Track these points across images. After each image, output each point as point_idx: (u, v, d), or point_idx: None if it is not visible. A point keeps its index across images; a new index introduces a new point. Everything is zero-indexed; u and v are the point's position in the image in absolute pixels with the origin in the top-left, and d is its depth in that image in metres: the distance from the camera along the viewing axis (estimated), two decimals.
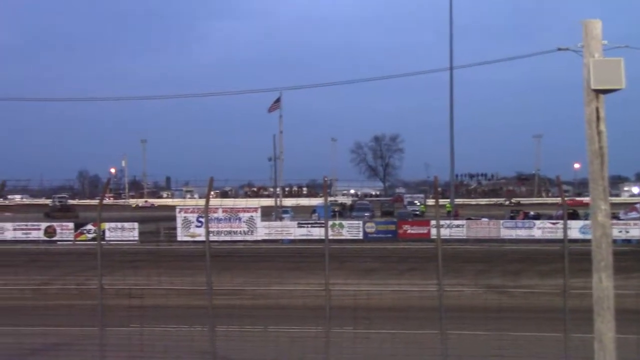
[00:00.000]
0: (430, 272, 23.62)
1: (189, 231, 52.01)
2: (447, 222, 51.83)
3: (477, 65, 78.21)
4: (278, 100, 74.05)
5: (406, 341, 18.26)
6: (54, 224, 57.70)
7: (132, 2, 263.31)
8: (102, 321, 14.84)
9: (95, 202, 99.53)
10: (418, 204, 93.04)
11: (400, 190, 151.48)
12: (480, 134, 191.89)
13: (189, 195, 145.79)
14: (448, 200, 65.74)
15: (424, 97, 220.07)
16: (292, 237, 51.81)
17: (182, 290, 26.50)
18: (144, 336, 17.46)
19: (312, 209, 72.00)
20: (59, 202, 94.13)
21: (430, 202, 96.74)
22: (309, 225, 53.29)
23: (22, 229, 55.22)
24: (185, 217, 52.80)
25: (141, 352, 16.22)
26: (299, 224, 54.42)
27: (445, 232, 47.81)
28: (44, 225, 57.03)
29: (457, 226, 51.85)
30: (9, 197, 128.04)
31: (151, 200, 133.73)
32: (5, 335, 16.50)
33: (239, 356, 16.41)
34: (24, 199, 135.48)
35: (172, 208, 63.25)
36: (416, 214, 75.58)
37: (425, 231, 52.00)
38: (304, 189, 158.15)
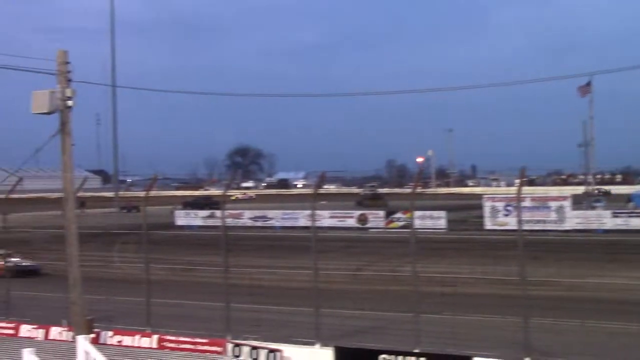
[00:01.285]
0: None
1: (496, 220, 51.46)
2: None
3: None
4: (589, 84, 70.47)
5: None
6: (366, 212, 60.24)
7: None
8: (417, 307, 15.20)
9: (403, 190, 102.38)
10: None
11: None
12: None
13: (495, 184, 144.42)
14: None
15: None
16: (606, 227, 49.06)
17: (493, 280, 26.31)
18: (456, 324, 17.61)
19: (627, 197, 67.63)
20: (370, 190, 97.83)
21: None
22: (626, 215, 50.07)
23: (337, 217, 58.30)
24: (492, 205, 52.30)
25: (453, 340, 16.35)
26: (613, 213, 51.33)
27: None
28: (356, 213, 59.81)
29: None
30: (325, 186, 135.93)
31: (452, 189, 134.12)
32: (331, 316, 17.54)
33: (553, 350, 15.86)
34: (337, 188, 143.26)
35: (478, 196, 62.95)
36: None
37: None
38: (618, 176, 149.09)
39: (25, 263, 32.85)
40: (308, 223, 54.12)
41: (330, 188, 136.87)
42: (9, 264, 30.22)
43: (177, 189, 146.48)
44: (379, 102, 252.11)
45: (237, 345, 15.94)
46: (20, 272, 29.80)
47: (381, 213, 58.25)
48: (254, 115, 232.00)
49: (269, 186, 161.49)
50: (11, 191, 19.81)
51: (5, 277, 30.16)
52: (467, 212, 57.91)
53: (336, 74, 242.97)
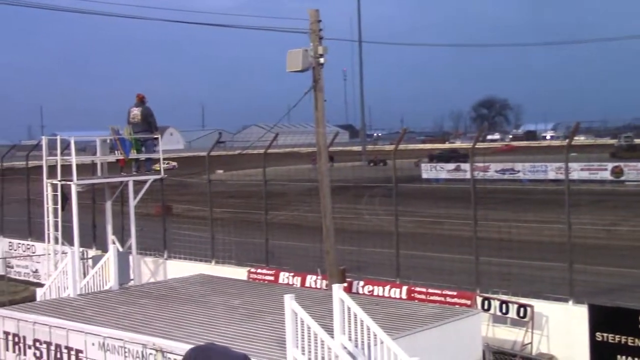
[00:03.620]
0: None
1: None
2: None
3: None
4: None
5: None
6: (621, 164, 56.96)
7: None
8: None
9: None
10: None
11: None
12: None
13: None
14: None
15: None
16: None
17: None
18: None
19: None
20: (625, 141, 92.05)
21: None
22: None
23: (589, 169, 55.64)
24: None
25: None
26: None
27: None
28: (610, 165, 56.78)
29: None
30: (575, 137, 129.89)
31: None
32: (585, 273, 16.88)
33: None
34: (589, 139, 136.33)
35: None
36: None
37: None
38: None
39: None
40: (557, 176, 52.27)
41: (582, 139, 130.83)
42: None
43: (423, 142, 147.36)
44: (635, 46, 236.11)
45: (486, 298, 15.84)
46: None
47: (639, 165, 54.89)
48: (500, 65, 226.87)
49: (515, 138, 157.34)
50: (269, 147, 20.98)
51: None
52: None
53: (589, 20, 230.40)
